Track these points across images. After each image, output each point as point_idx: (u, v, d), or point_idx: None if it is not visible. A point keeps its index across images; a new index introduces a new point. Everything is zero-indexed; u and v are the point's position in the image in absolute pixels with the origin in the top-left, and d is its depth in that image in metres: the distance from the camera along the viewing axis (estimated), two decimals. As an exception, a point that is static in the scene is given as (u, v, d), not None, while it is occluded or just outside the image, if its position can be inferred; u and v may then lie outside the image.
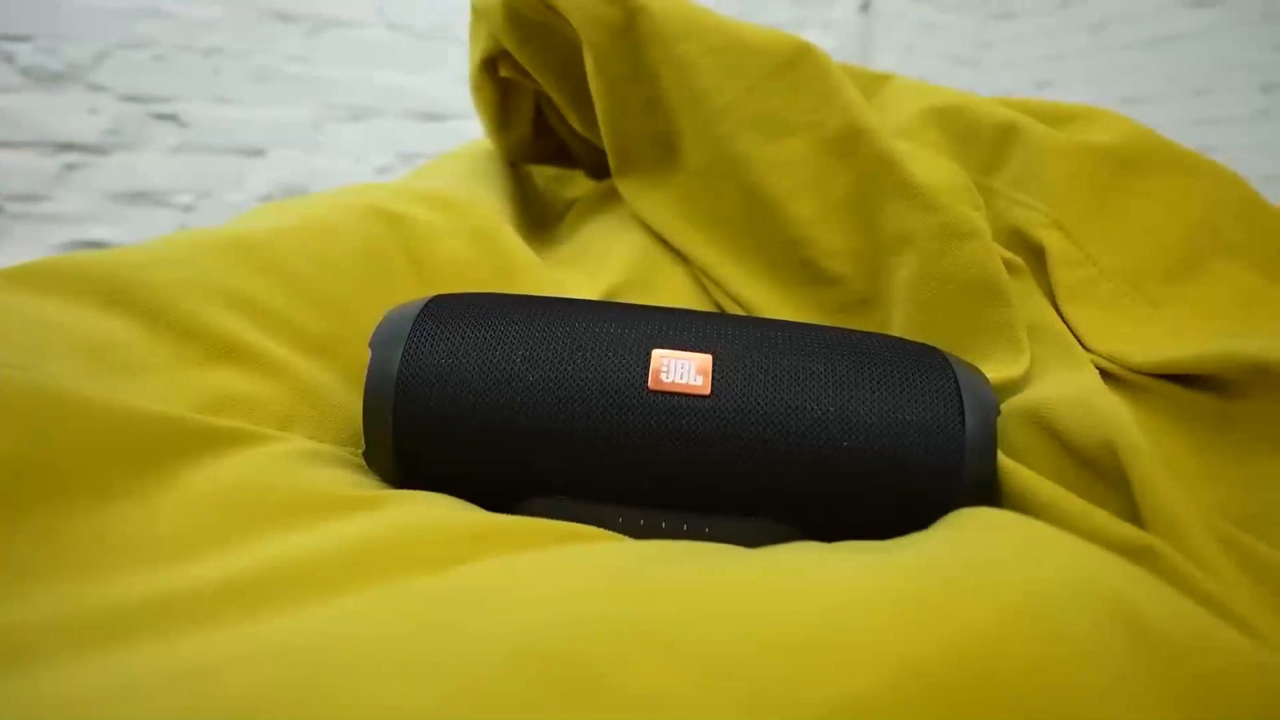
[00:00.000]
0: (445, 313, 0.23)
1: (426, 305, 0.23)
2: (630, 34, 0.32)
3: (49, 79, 1.08)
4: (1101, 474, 0.21)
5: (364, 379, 0.28)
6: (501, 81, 0.40)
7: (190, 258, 0.27)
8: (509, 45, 0.36)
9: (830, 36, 1.92)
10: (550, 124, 0.43)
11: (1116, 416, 0.21)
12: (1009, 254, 0.31)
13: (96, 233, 1.17)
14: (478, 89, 0.41)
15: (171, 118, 1.19)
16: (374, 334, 0.23)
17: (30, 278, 0.26)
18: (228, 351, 0.25)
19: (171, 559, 0.17)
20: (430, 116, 1.42)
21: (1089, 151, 0.32)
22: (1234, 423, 0.23)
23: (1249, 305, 0.31)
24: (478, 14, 0.38)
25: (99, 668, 0.13)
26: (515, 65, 0.38)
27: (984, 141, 0.36)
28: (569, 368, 0.21)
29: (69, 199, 1.14)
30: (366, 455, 0.23)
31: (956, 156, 0.36)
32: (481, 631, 0.12)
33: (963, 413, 0.21)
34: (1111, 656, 0.12)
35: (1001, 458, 0.22)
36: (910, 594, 0.13)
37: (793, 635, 0.11)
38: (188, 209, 1.23)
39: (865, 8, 1.96)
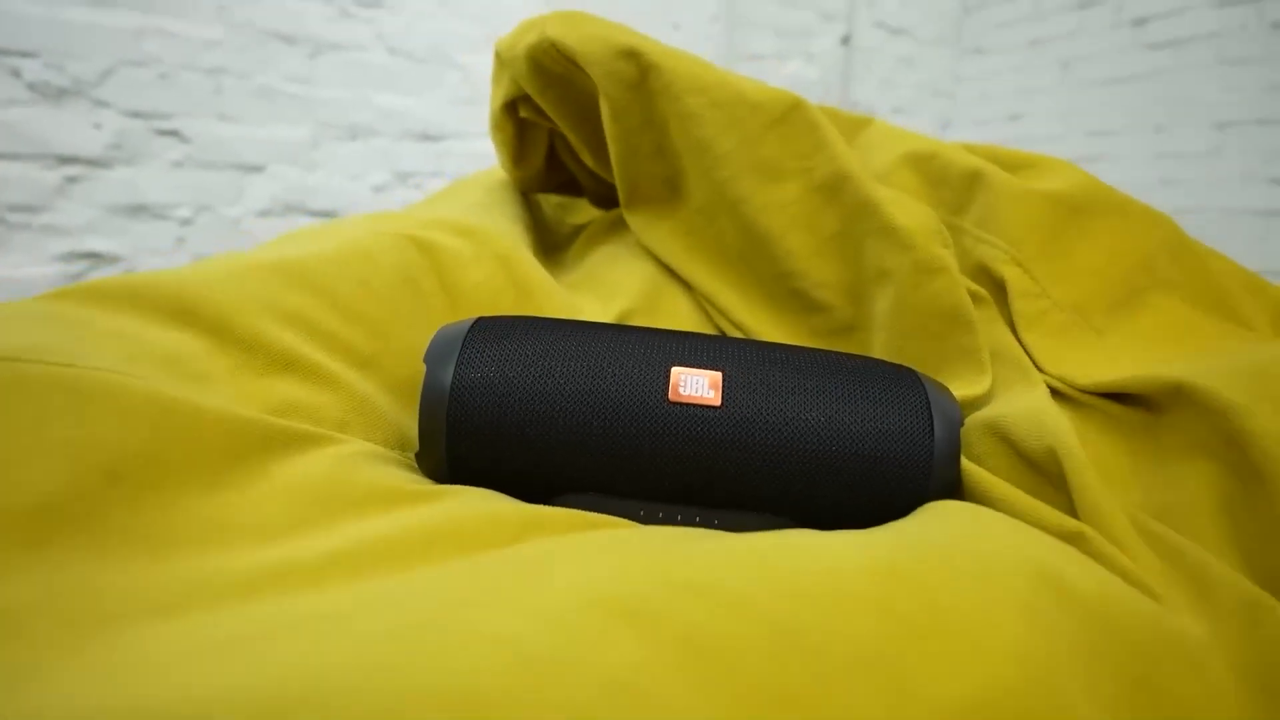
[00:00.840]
0: (489, 333, 0.26)
1: (473, 326, 0.27)
2: (643, 87, 0.36)
3: (54, 94, 1.10)
4: (1046, 476, 0.25)
5: (405, 390, 0.31)
6: (520, 121, 0.44)
7: (247, 278, 0.31)
8: (530, 91, 0.40)
9: (813, 67, 1.99)
10: (561, 159, 0.47)
11: (1059, 428, 0.25)
12: (975, 286, 0.36)
13: (94, 244, 1.18)
14: (498, 127, 0.45)
15: (173, 134, 1.21)
16: (428, 351, 0.26)
17: (101, 294, 0.29)
18: (288, 364, 0.28)
19: (275, 537, 0.20)
20: (426, 137, 1.46)
21: (1042, 197, 0.37)
22: (1157, 433, 0.27)
23: (1181, 333, 0.35)
24: (501, 61, 0.41)
25: (247, 614, 0.16)
26: (534, 108, 0.42)
27: (953, 185, 0.40)
28: (599, 383, 0.25)
29: (69, 210, 1.15)
30: (418, 456, 0.26)
31: (929, 198, 0.41)
32: (556, 586, 0.16)
33: (932, 424, 0.25)
34: (1040, 608, 0.16)
35: (964, 461, 0.26)
36: (885, 561, 0.17)
37: (800, 585, 0.15)
38: (186, 223, 1.25)
39: (846, 41, 2.04)
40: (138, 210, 1.21)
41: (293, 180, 1.34)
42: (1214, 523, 0.23)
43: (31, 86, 1.08)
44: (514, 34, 0.41)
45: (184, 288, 0.28)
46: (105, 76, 1.14)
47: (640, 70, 0.36)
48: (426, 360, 0.26)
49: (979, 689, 0.14)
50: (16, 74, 1.07)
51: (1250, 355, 0.29)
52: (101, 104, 1.14)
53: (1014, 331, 0.35)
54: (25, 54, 1.07)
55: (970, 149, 0.43)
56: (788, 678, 0.13)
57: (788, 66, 1.93)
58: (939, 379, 0.33)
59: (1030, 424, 0.26)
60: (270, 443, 0.23)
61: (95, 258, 1.19)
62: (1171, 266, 0.37)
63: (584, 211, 0.55)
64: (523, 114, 0.43)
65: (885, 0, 2.12)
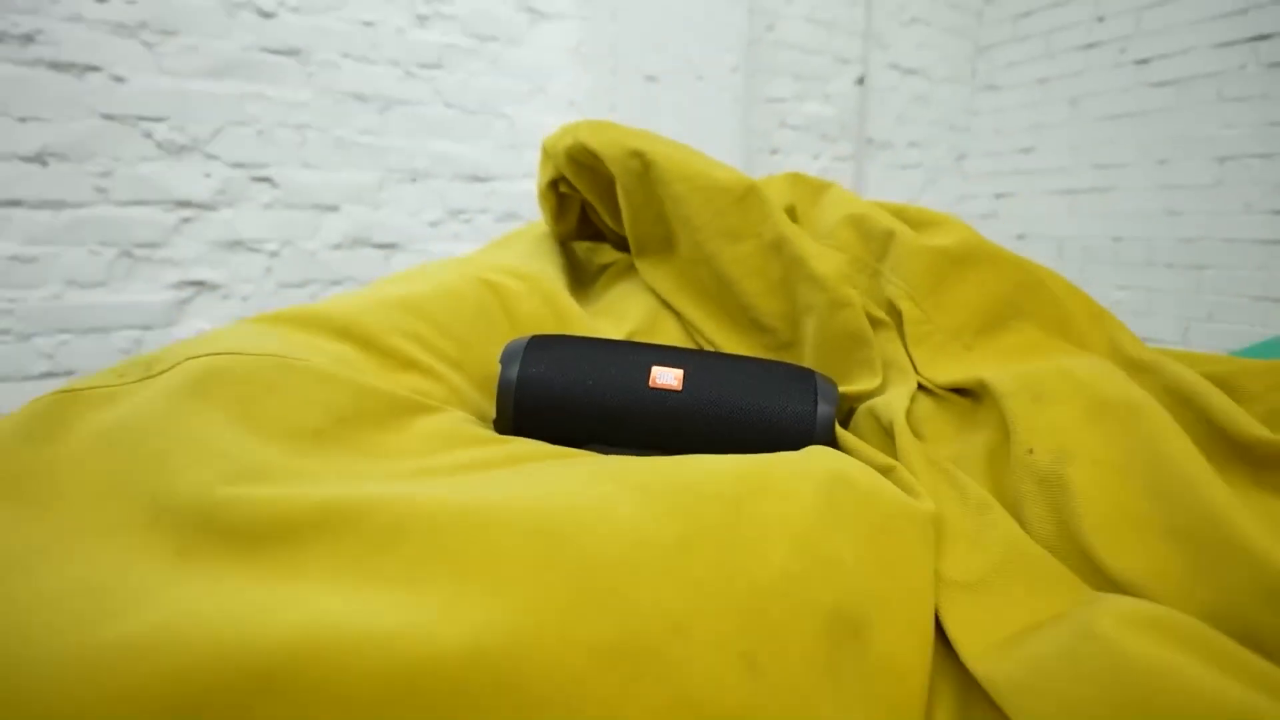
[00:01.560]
0: (540, 345, 0.42)
1: (530, 340, 0.42)
2: (645, 176, 0.52)
3: (176, 150, 1.33)
4: (889, 437, 0.40)
5: (483, 383, 0.47)
6: (559, 194, 0.60)
7: (379, 309, 0.47)
8: (567, 175, 0.56)
9: (830, 107, 2.15)
10: (590, 219, 0.63)
11: (897, 408, 0.40)
12: (880, 314, 0.50)
13: (200, 274, 1.39)
14: (543, 198, 0.61)
15: (266, 180, 1.42)
16: (501, 356, 0.42)
17: (289, 319, 0.45)
18: (410, 364, 0.45)
19: (423, 456, 0.35)
20: (475, 178, 1.65)
21: (933, 251, 0.51)
22: (972, 413, 0.41)
23: (1030, 350, 0.49)
24: (546, 153, 0.58)
25: (429, 487, 0.31)
26: (570, 185, 0.58)
27: (877, 239, 0.55)
28: (607, 376, 0.40)
29: (182, 246, 1.37)
30: (496, 424, 0.42)
31: (861, 248, 0.56)
32: (580, 472, 0.31)
33: (816, 405, 0.40)
34: (832, 489, 0.30)
35: (837, 427, 0.40)
36: (745, 466, 0.31)
37: (695, 475, 0.30)
38: (273, 254, 1.46)
39: (861, 82, 2.19)
40: (235, 245, 1.42)
41: (361, 217, 1.54)
42: (982, 463, 0.37)
43: (159, 145, 1.31)
44: (555, 135, 0.57)
45: (342, 315, 0.45)
46: (215, 135, 1.36)
47: (644, 165, 0.52)
48: (501, 362, 0.42)
49: (789, 523, 0.28)
50: (149, 135, 1.30)
51: (1048, 364, 0.43)
52: (211, 157, 1.36)
53: (905, 347, 0.49)
54: (157, 119, 1.30)
55: (893, 210, 0.58)
56: (686, 509, 0.28)
57: (806, 107, 2.09)
58: (845, 379, 0.48)
59: (886, 407, 0.41)
60: (413, 408, 0.39)
61: (200, 285, 1.41)
62: (1030, 302, 0.51)
63: (607, 253, 0.71)
64: (562, 189, 0.59)
65: (899, 43, 2.27)
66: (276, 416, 0.32)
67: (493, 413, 0.44)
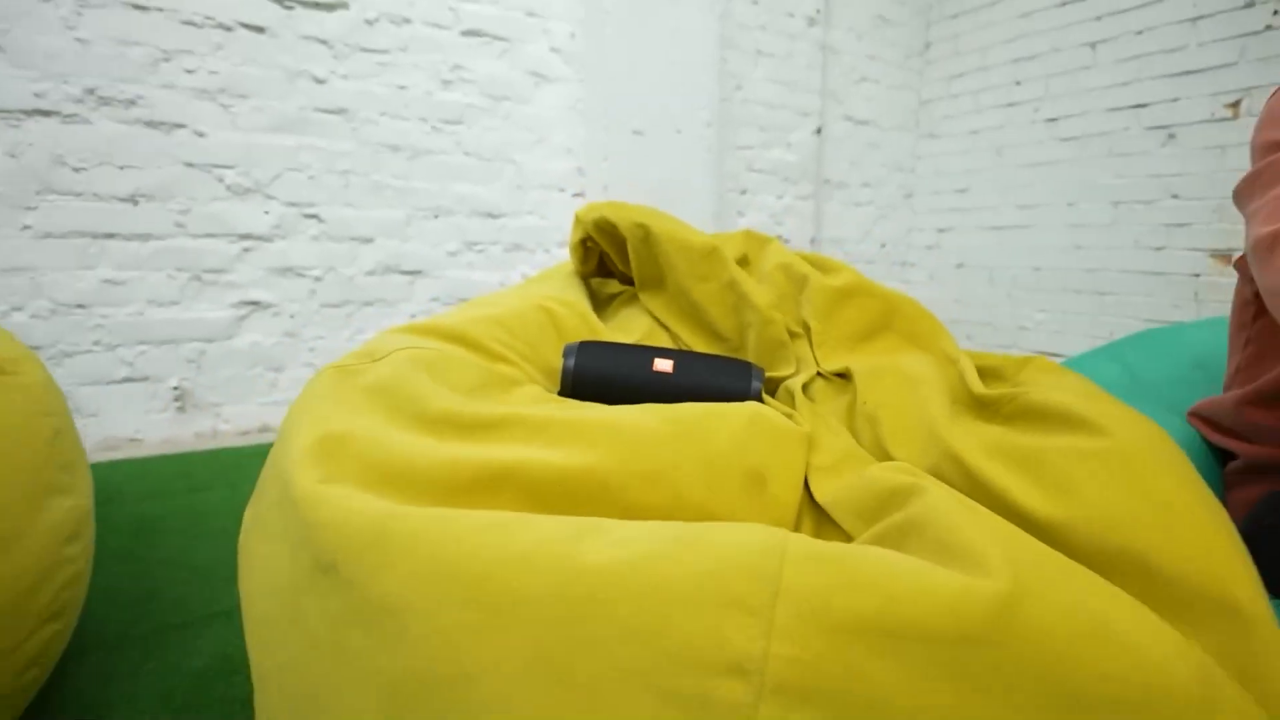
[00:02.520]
0: (586, 346, 0.70)
1: (580, 344, 0.70)
2: (647, 240, 0.81)
3: (242, 192, 1.58)
4: (793, 404, 0.68)
5: (546, 372, 0.75)
6: (586, 247, 0.88)
7: (478, 323, 0.74)
8: (593, 235, 0.85)
9: (791, 153, 2.47)
10: (606, 263, 0.91)
11: (799, 383, 0.68)
12: (797, 329, 0.79)
13: (257, 295, 1.64)
14: (574, 249, 0.89)
15: (314, 217, 1.68)
16: (564, 351, 0.70)
17: (420, 329, 0.72)
18: (500, 359, 0.72)
19: (528, 406, 0.63)
20: (488, 215, 1.93)
21: (831, 289, 0.80)
22: (844, 387, 0.70)
23: (888, 351, 0.78)
24: (579, 220, 0.86)
25: (546, 410, 0.59)
26: (594, 242, 0.86)
27: (796, 281, 0.84)
28: (627, 365, 0.68)
29: (242, 271, 1.62)
30: (559, 394, 0.69)
31: (787, 285, 0.84)
32: (627, 416, 0.58)
33: (750, 382, 0.68)
34: (752, 424, 0.58)
35: (764, 394, 0.68)
36: (681, 412, 0.59)
37: (669, 417, 0.57)
38: (317, 279, 1.71)
39: (819, 132, 2.52)
40: (286, 270, 1.67)
41: (391, 248, 1.80)
42: (843, 411, 0.65)
43: (229, 187, 1.56)
44: (585, 209, 0.85)
45: (454, 327, 0.72)
46: (274, 179, 1.62)
47: (646, 232, 0.80)
48: (563, 356, 0.69)
49: (728, 428, 0.56)
50: (221, 179, 1.55)
51: (889, 358, 0.71)
52: (270, 197, 1.62)
53: (812, 349, 0.78)
54: (228, 166, 1.55)
55: (809, 259, 0.86)
56: (676, 420, 0.55)
57: (770, 154, 2.41)
58: (771, 368, 0.76)
59: (793, 384, 0.69)
60: (514, 381, 0.66)
61: (255, 304, 1.65)
62: (892, 321, 0.80)
63: (615, 286, 0.99)
64: (588, 244, 0.87)
65: (851, 98, 2.61)
66: (452, 381, 0.60)
67: (554, 389, 0.71)
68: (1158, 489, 0.41)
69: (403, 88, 1.75)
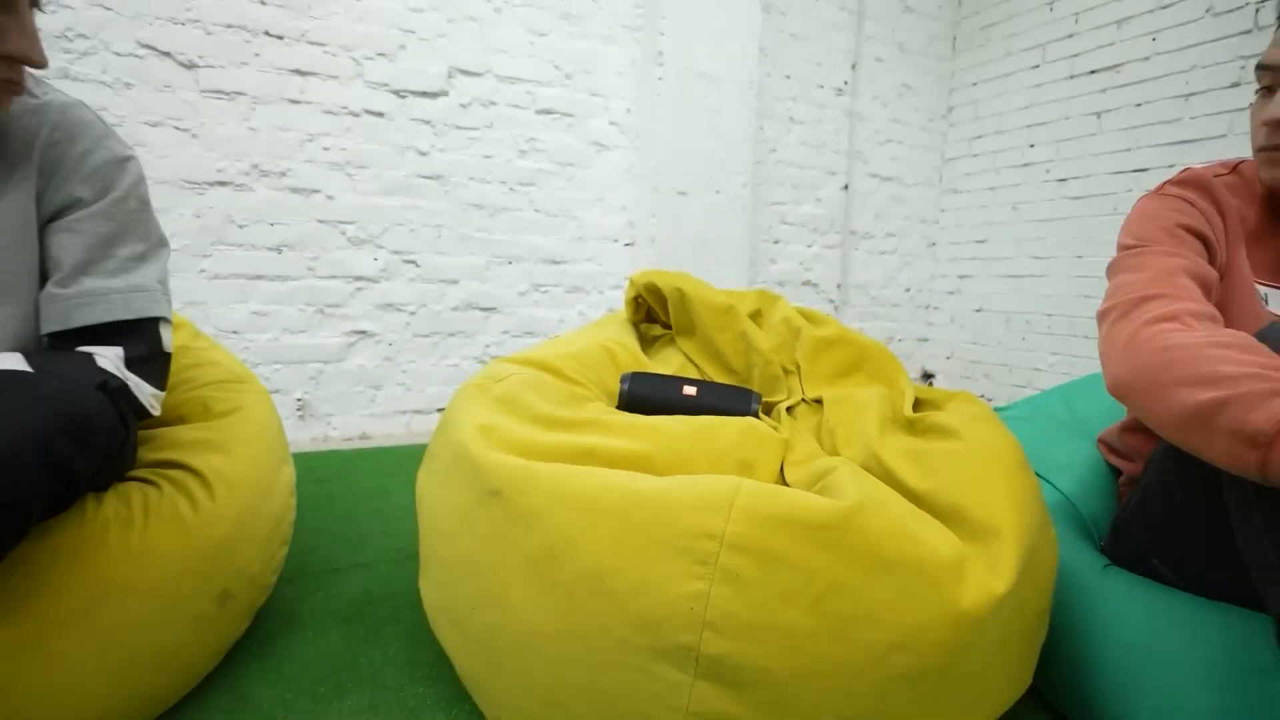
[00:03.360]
0: (637, 375, 1.00)
1: (633, 373, 1.00)
2: (682, 299, 1.10)
3: (358, 242, 1.96)
4: (780, 420, 0.96)
5: (608, 393, 1.06)
6: (637, 302, 1.18)
7: (558, 357, 1.05)
8: (643, 294, 1.15)
9: (820, 208, 2.75)
10: (652, 313, 1.22)
11: (784, 406, 0.97)
12: (791, 367, 1.07)
13: (363, 326, 2.01)
14: (628, 304, 1.19)
15: (413, 263, 2.05)
16: (620, 379, 1.00)
17: (518, 360, 1.03)
18: (575, 383, 1.02)
19: (598, 414, 0.93)
20: (552, 262, 2.26)
21: (818, 338, 1.08)
22: (819, 410, 0.97)
23: (859, 386, 1.06)
24: (632, 283, 1.16)
25: (616, 417, 0.89)
26: (644, 298, 1.17)
27: (793, 331, 1.12)
28: (664, 389, 0.97)
29: (354, 307, 1.98)
30: (617, 408, 0.99)
31: (786, 334, 1.13)
32: (667, 424, 0.88)
33: (751, 404, 0.96)
34: (748, 430, 0.87)
35: (762, 415, 0.96)
36: (720, 419, 0.87)
37: (706, 420, 0.86)
38: (412, 314, 2.07)
39: (846, 188, 2.80)
40: (388, 306, 2.04)
41: (472, 289, 2.15)
42: (814, 426, 0.92)
43: (349, 239, 1.94)
44: (638, 274, 1.16)
45: (542, 359, 1.03)
46: (383, 232, 1.99)
47: (681, 295, 1.10)
48: (620, 382, 0.99)
49: (731, 433, 0.84)
50: (343, 233, 1.93)
51: (855, 391, 0.99)
52: (379, 247, 1.99)
53: (800, 383, 1.06)
54: (349, 222, 1.93)
55: (805, 314, 1.15)
56: (696, 427, 0.84)
57: (801, 208, 2.70)
58: (769, 395, 1.05)
59: (782, 406, 0.98)
60: (585, 399, 0.97)
61: (362, 334, 2.02)
62: (866, 364, 1.07)
63: (657, 330, 1.29)
64: (639, 300, 1.18)
65: (877, 157, 2.88)
66: (546, 396, 0.90)
67: (612, 405, 1.01)
68: (982, 472, 0.68)
69: (487, 157, 2.12)
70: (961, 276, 3.00)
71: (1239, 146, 2.09)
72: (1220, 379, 0.56)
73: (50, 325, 0.73)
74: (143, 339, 0.77)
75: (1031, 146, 2.70)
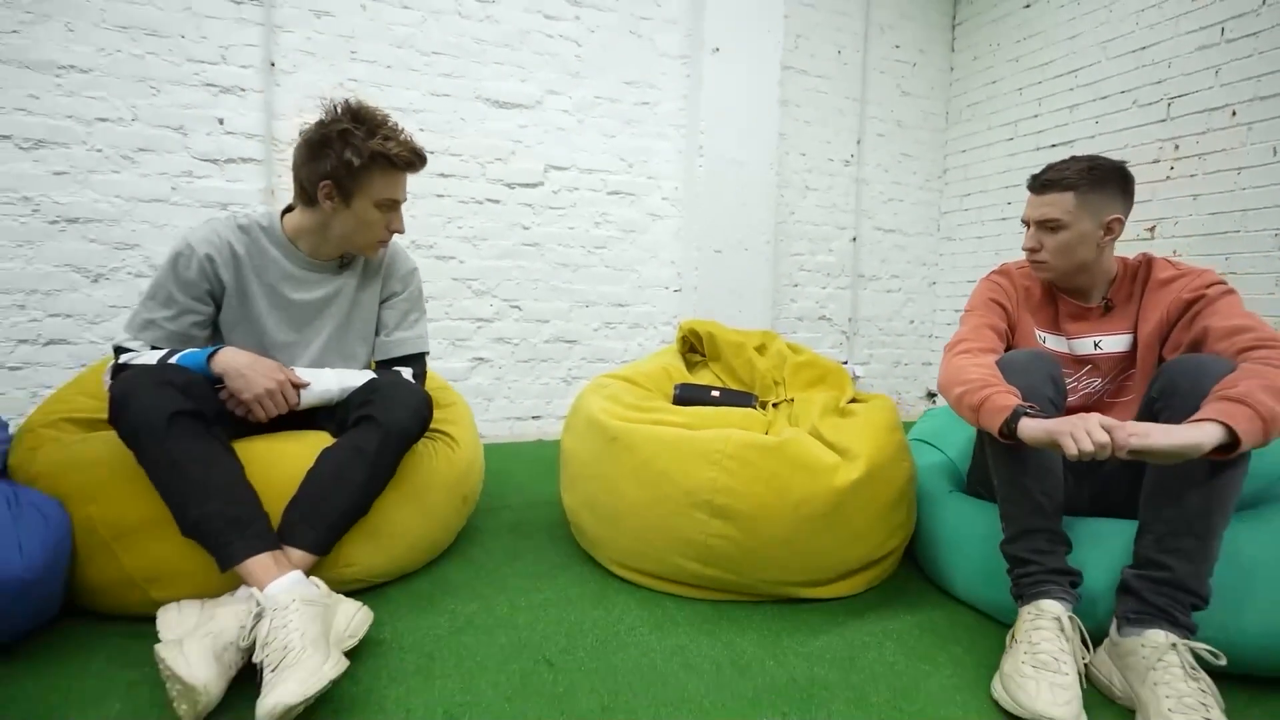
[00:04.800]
0: (684, 385, 1.66)
1: (681, 384, 1.66)
2: (712, 339, 1.76)
3: (480, 294, 2.70)
4: (768, 411, 1.61)
5: (669, 394, 1.75)
6: (683, 339, 1.85)
7: (637, 374, 1.73)
8: (688, 335, 1.82)
9: (833, 257, 3.37)
10: (694, 346, 1.88)
11: (770, 403, 1.62)
12: (780, 379, 1.73)
13: (482, 354, 2.73)
14: (678, 340, 1.85)
15: (517, 307, 2.77)
16: (674, 386, 1.66)
17: (613, 375, 1.72)
18: (646, 389, 1.70)
19: (662, 407, 1.60)
20: (618, 305, 2.95)
21: (795, 363, 1.73)
22: (792, 406, 1.60)
23: (820, 392, 1.71)
24: (680, 328, 1.82)
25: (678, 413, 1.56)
26: (689, 336, 1.83)
27: (783, 358, 1.78)
28: (699, 394, 1.63)
29: (476, 340, 2.71)
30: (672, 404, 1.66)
31: (779, 360, 1.78)
32: (703, 411, 1.54)
33: (750, 402, 1.61)
34: (745, 415, 1.52)
35: (758, 408, 1.61)
36: (733, 409, 1.53)
37: (722, 409, 1.50)
38: (516, 345, 2.79)
39: (854, 240, 3.42)
40: (499, 340, 2.76)
41: (560, 326, 2.86)
42: (788, 416, 1.56)
43: (474, 292, 2.68)
44: (686, 321, 1.82)
45: (629, 375, 1.71)
46: (497, 285, 2.73)
47: (711, 336, 1.76)
48: (674, 389, 1.66)
49: (735, 418, 1.49)
50: (469, 287, 2.67)
51: (815, 394, 1.62)
52: (494, 296, 2.73)
53: (785, 390, 1.71)
54: (473, 279, 2.68)
55: (790, 347, 1.79)
56: (711, 415, 1.49)
57: (816, 257, 3.33)
58: (764, 396, 1.70)
59: (769, 402, 1.63)
60: (652, 398, 1.64)
61: (480, 360, 2.74)
62: (827, 378, 1.71)
63: (695, 358, 1.96)
64: (685, 338, 1.84)
65: (881, 213, 3.50)
66: (634, 394, 1.58)
67: (669, 403, 1.68)
68: (860, 431, 1.31)
69: (571, 228, 2.85)
70: (958, 310, 3.55)
71: (1161, 210, 2.63)
72: (967, 381, 1.18)
73: (378, 357, 1.45)
74: (420, 364, 1.47)
75: (1009, 204, 3.26)
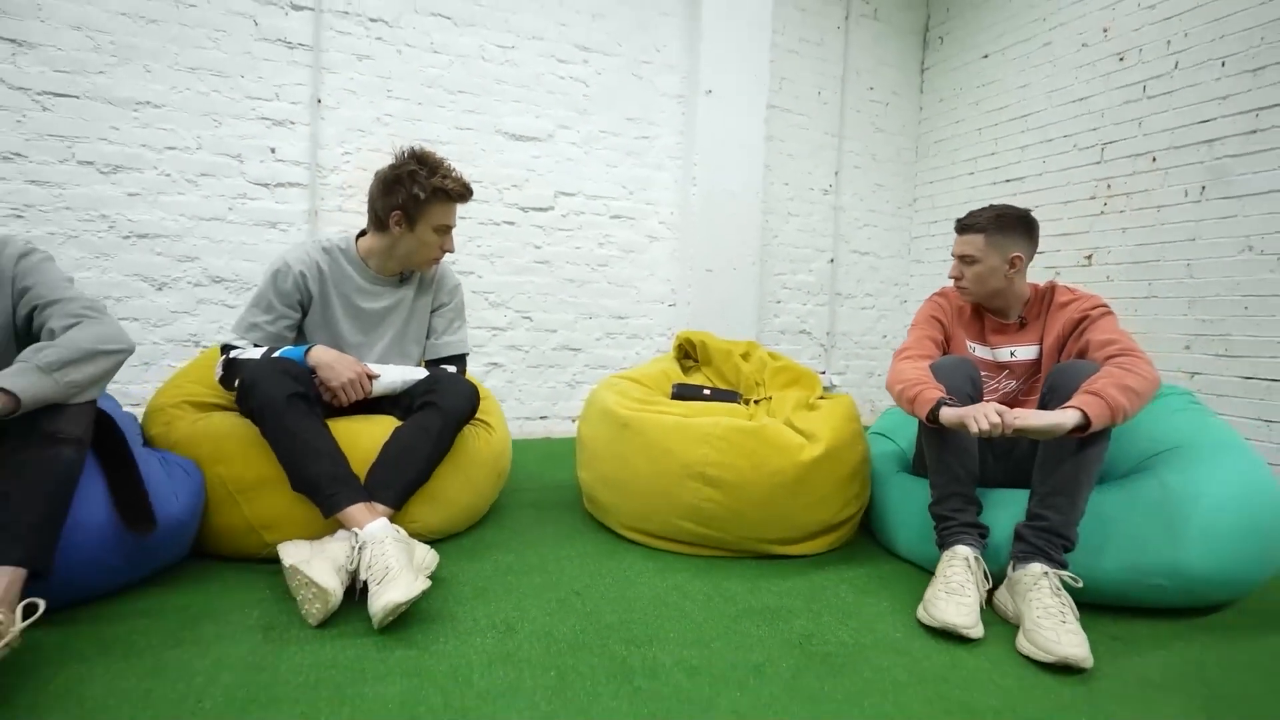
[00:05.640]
0: (680, 385, 1.98)
1: (677, 384, 1.99)
2: (704, 346, 2.08)
3: (496, 305, 3.01)
4: (751, 405, 1.94)
5: (668, 392, 2.07)
6: (679, 347, 2.17)
7: (641, 375, 2.05)
8: (684, 344, 2.14)
9: (812, 276, 3.72)
10: (689, 353, 2.21)
11: (753, 400, 1.95)
12: (761, 380, 2.05)
13: (497, 359, 3.03)
14: (675, 348, 2.17)
15: (528, 319, 3.08)
16: (671, 385, 1.98)
17: (621, 376, 2.04)
18: (648, 388, 2.02)
19: (663, 403, 1.92)
20: (618, 318, 3.27)
21: (773, 367, 2.06)
22: (770, 402, 1.93)
23: (793, 391, 2.04)
24: (677, 338, 2.14)
25: (673, 407, 1.88)
26: (684, 346, 2.16)
27: (763, 363, 2.11)
28: (692, 392, 1.95)
29: (491, 347, 3.02)
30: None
31: (760, 366, 2.11)
32: (705, 403, 1.86)
33: (737, 399, 1.93)
34: (726, 410, 1.85)
35: (741, 403, 1.93)
36: (708, 404, 1.85)
37: (713, 404, 1.82)
38: (526, 352, 3.10)
39: (832, 261, 3.77)
40: (511, 348, 3.07)
41: (565, 336, 3.17)
42: (767, 409, 1.88)
43: (490, 303, 2.99)
44: (682, 332, 2.15)
45: (635, 376, 2.03)
46: (511, 298, 3.04)
47: (704, 345, 2.08)
48: (672, 387, 1.98)
49: (719, 411, 1.81)
50: (486, 299, 2.99)
51: (790, 392, 1.95)
52: (508, 308, 3.04)
53: (765, 389, 2.04)
54: (490, 293, 2.99)
55: (769, 355, 2.12)
56: (712, 409, 1.81)
57: (797, 277, 3.67)
58: (747, 394, 2.03)
59: (752, 399, 1.95)
60: (656, 394, 1.96)
61: (495, 365, 3.04)
62: (800, 380, 2.03)
63: (689, 363, 2.28)
64: (680, 346, 2.16)
65: (856, 237, 3.86)
66: (639, 391, 1.90)
67: (668, 398, 2.00)
68: (823, 420, 1.63)
69: (577, 248, 3.17)
70: (925, 326, 3.91)
71: (1099, 240, 3.00)
72: (905, 380, 1.51)
73: (428, 356, 1.76)
74: (462, 364, 1.78)
75: (970, 232, 3.63)
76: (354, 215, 2.76)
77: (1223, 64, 2.58)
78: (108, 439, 1.21)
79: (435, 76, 2.87)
